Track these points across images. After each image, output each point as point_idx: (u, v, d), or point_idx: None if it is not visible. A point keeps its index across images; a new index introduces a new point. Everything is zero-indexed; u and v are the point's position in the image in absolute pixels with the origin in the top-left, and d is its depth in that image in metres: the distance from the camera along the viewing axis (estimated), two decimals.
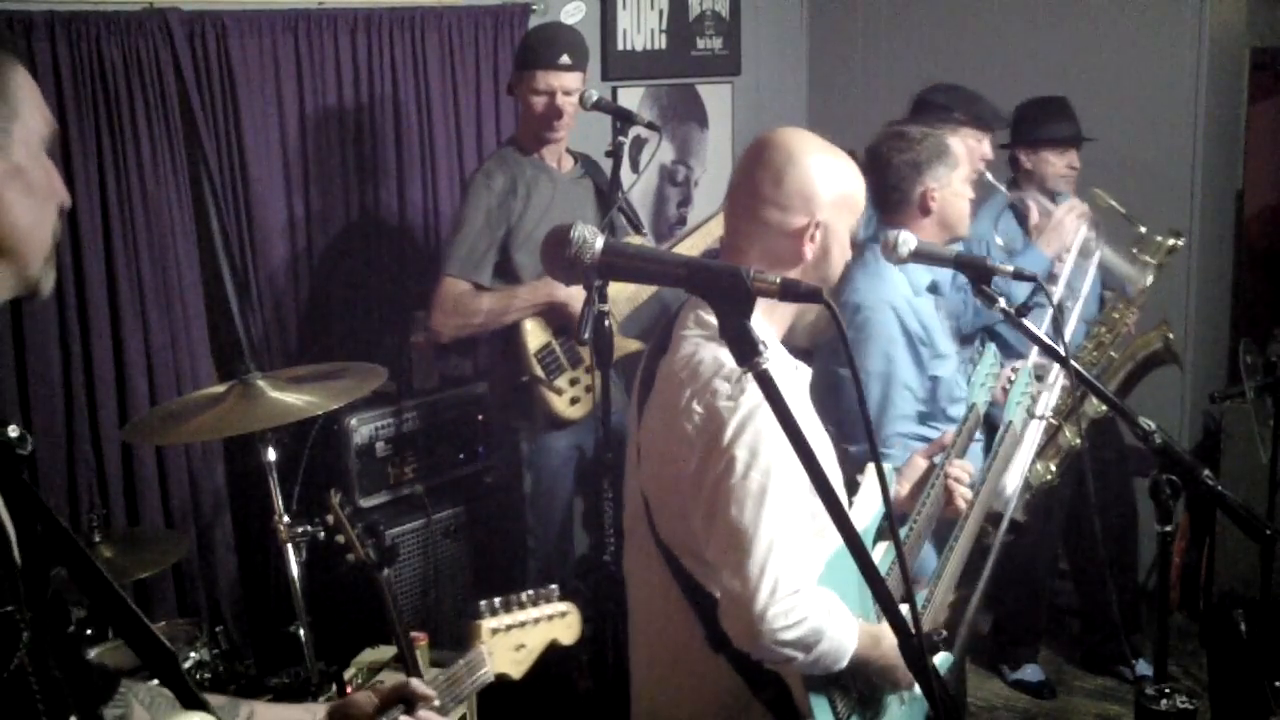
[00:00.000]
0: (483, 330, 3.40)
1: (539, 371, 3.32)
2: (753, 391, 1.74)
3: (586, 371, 3.41)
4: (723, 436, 1.75)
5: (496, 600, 1.80)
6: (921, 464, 2.23)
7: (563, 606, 1.87)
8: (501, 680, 1.78)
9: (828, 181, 1.89)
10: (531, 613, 1.82)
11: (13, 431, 1.20)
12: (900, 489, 2.21)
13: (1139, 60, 4.39)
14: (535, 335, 3.34)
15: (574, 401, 3.39)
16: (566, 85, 3.32)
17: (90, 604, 1.27)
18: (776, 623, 1.70)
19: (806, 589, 1.74)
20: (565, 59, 3.32)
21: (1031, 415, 2.63)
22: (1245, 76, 4.57)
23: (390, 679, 2.83)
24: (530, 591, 1.84)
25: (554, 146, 3.45)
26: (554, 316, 3.34)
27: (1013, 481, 2.72)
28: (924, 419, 2.78)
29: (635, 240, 3.58)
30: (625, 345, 3.50)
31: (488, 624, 1.77)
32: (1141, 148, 3.92)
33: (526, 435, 3.46)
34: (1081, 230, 3.40)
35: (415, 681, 1.55)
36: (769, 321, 1.90)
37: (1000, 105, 3.65)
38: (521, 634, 1.81)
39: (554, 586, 1.88)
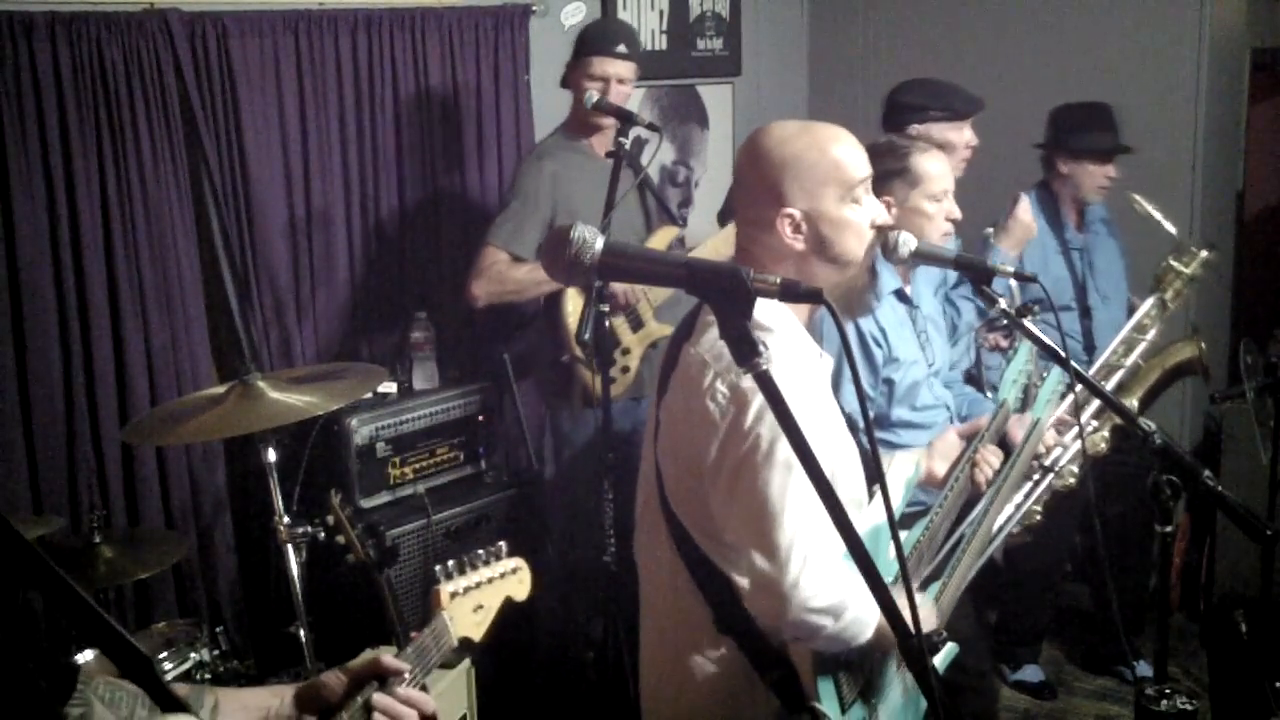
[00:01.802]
0: (517, 299, 3.51)
1: (579, 352, 3.39)
2: (777, 375, 1.74)
3: (624, 354, 3.51)
4: (746, 416, 1.76)
5: (451, 563, 1.83)
6: (955, 441, 2.23)
7: (513, 563, 1.91)
8: (465, 643, 1.81)
9: (796, 169, 1.86)
10: (485, 572, 1.86)
11: None
12: (934, 466, 2.22)
13: (1139, 61, 4.39)
14: (577, 316, 3.42)
15: (610, 382, 3.45)
16: (621, 73, 3.47)
17: (55, 611, 1.22)
18: (807, 591, 1.72)
19: (835, 561, 1.75)
20: (621, 48, 3.47)
21: (1049, 469, 2.63)
22: (1245, 77, 4.57)
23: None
24: (481, 551, 1.88)
25: (602, 135, 3.53)
26: (587, 290, 3.40)
27: (999, 521, 2.73)
28: (875, 421, 2.78)
29: (671, 233, 3.67)
30: (661, 330, 3.58)
31: (446, 588, 1.80)
32: (1142, 148, 3.92)
33: (567, 415, 3.57)
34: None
35: (385, 656, 1.54)
36: (791, 309, 1.89)
37: (1001, 106, 3.64)
38: (478, 594, 1.84)
39: (502, 544, 1.92)
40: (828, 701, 1.82)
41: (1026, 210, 3.40)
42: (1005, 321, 2.82)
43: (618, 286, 3.35)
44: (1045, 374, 2.48)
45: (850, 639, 1.80)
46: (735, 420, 1.77)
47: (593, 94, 3.40)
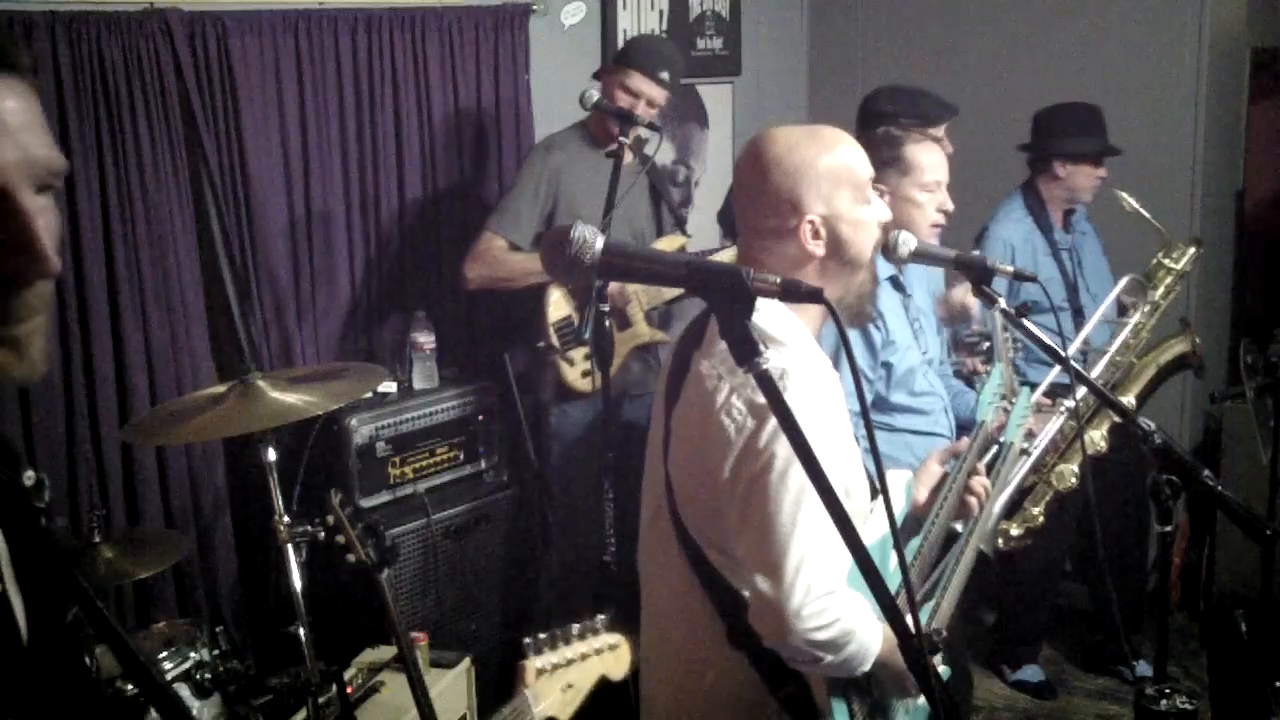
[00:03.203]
0: (508, 287, 3.55)
1: (554, 340, 3.45)
2: (794, 388, 1.73)
3: None
4: (763, 433, 1.74)
5: (542, 636, 1.70)
6: (936, 469, 2.23)
7: (612, 639, 1.78)
8: None
9: (811, 174, 1.86)
10: (579, 648, 1.73)
11: (29, 480, 1.02)
12: (918, 493, 2.21)
13: (1139, 60, 4.39)
14: (558, 306, 3.47)
15: (585, 375, 3.50)
16: (654, 97, 3.51)
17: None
18: (809, 623, 1.70)
19: (840, 591, 1.73)
20: (664, 74, 3.51)
21: (1026, 452, 2.64)
22: (1245, 76, 4.57)
23: (390, 679, 2.84)
24: (577, 626, 1.75)
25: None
26: (580, 291, 3.41)
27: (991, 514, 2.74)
28: (875, 404, 2.81)
29: (677, 242, 3.67)
30: (651, 334, 3.61)
31: (534, 664, 1.67)
32: (1142, 147, 3.93)
33: (553, 405, 3.60)
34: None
35: None
36: (802, 319, 1.88)
37: (1002, 105, 3.65)
38: (568, 673, 1.71)
39: (601, 617, 1.78)
40: (840, 718, 1.81)
41: (966, 293, 3.37)
42: (985, 346, 2.85)
43: (609, 286, 3.35)
44: (1015, 397, 2.49)
45: (850, 670, 1.78)
46: (751, 437, 1.75)
47: (593, 93, 3.40)
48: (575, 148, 3.57)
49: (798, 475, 1.71)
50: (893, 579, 1.98)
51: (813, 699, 1.82)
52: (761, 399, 1.72)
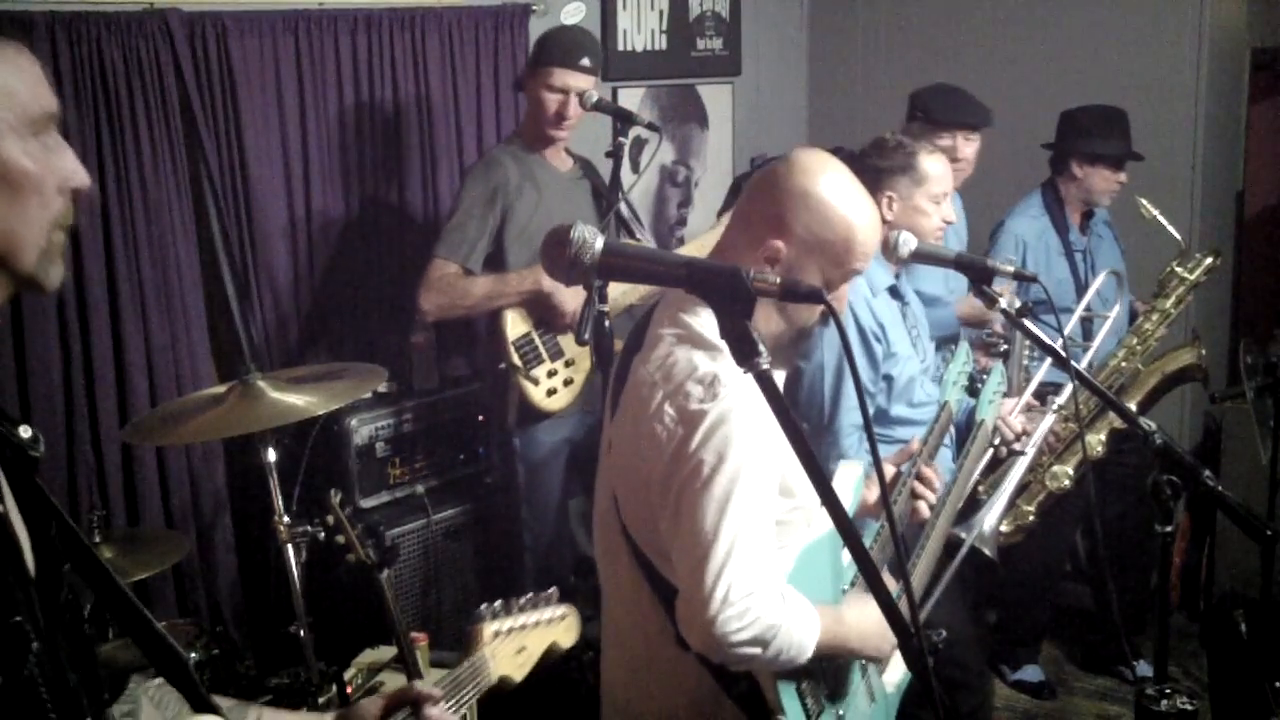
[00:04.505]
0: (467, 314, 3.45)
1: (516, 360, 3.35)
2: (725, 396, 1.74)
3: (567, 365, 3.43)
4: (691, 440, 1.74)
5: (498, 604, 1.81)
6: (889, 470, 2.20)
7: (561, 610, 1.88)
8: (504, 683, 1.79)
9: (813, 218, 1.81)
10: (532, 616, 1.84)
11: (25, 433, 1.17)
12: (868, 495, 2.19)
13: (1139, 60, 4.39)
14: (515, 325, 3.36)
15: (551, 393, 3.39)
16: (581, 87, 3.37)
17: (98, 604, 1.26)
18: (729, 626, 1.70)
19: (761, 590, 1.72)
20: (585, 62, 3.38)
21: (1020, 452, 2.65)
22: (1245, 76, 4.57)
23: (390, 679, 2.84)
24: (530, 595, 1.85)
25: (556, 146, 3.49)
26: (536, 307, 3.36)
27: (991, 519, 2.74)
28: (876, 417, 2.81)
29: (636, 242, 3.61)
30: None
31: (489, 627, 1.78)
32: (1142, 148, 3.93)
33: (518, 428, 3.48)
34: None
35: (419, 684, 1.55)
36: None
37: (1001, 106, 3.65)
38: (522, 637, 1.82)
39: (553, 590, 1.89)
40: (793, 714, 1.81)
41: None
42: (1003, 348, 2.86)
43: (569, 305, 3.27)
44: (987, 374, 2.50)
45: (787, 663, 1.77)
46: (681, 444, 1.75)
47: (593, 94, 3.37)
48: (513, 159, 3.44)
49: (725, 481, 1.72)
50: (845, 573, 1.99)
51: (762, 695, 1.82)
52: (694, 406, 1.75)
